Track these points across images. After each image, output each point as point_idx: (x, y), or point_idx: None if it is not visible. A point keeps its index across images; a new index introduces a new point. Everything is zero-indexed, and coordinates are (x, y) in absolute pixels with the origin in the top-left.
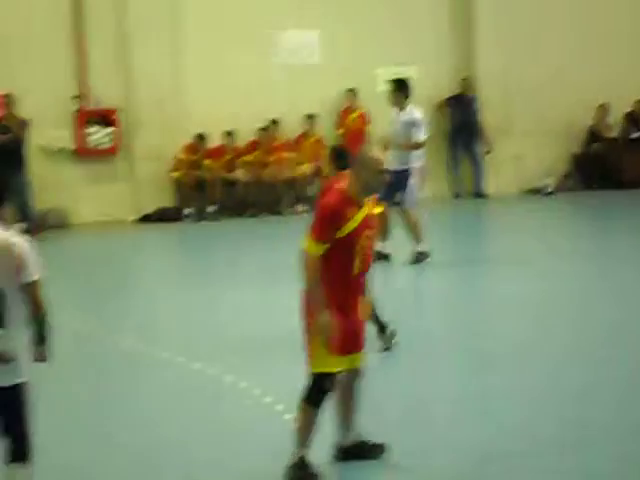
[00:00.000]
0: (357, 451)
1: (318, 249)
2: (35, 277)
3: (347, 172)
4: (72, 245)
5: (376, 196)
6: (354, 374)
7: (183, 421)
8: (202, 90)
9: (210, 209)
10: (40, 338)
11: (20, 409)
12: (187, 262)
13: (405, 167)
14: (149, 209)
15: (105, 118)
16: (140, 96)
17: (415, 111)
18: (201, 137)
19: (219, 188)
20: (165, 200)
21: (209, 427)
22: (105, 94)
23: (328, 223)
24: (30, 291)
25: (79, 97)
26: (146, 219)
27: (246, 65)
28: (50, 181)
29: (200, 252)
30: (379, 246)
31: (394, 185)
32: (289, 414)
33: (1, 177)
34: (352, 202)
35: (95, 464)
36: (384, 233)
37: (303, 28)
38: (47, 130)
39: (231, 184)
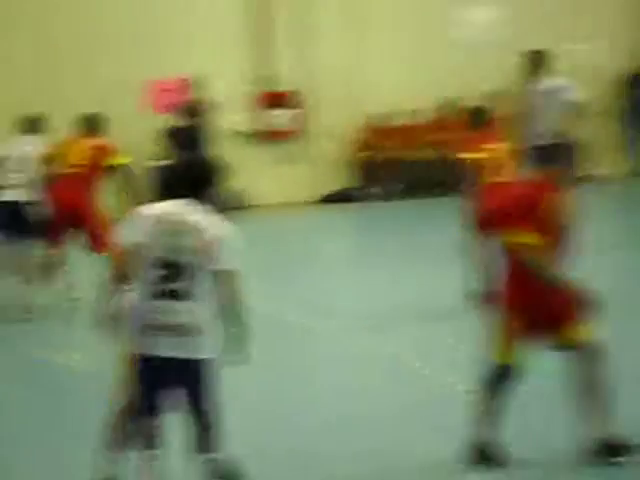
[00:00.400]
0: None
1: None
2: (228, 266)
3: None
4: (252, 226)
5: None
6: (582, 353)
7: (364, 396)
8: (383, 70)
9: (395, 188)
10: (235, 337)
11: (203, 385)
12: (368, 241)
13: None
14: (329, 190)
15: (287, 100)
16: (321, 78)
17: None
18: (384, 117)
19: (403, 167)
20: (345, 180)
21: (390, 404)
22: (287, 76)
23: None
24: (222, 280)
25: (261, 79)
26: (326, 200)
27: (426, 43)
28: (232, 163)
29: (381, 232)
30: None
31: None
32: (468, 394)
33: (210, 161)
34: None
35: (276, 444)
36: None
37: (483, 5)
38: (230, 113)
39: (415, 163)
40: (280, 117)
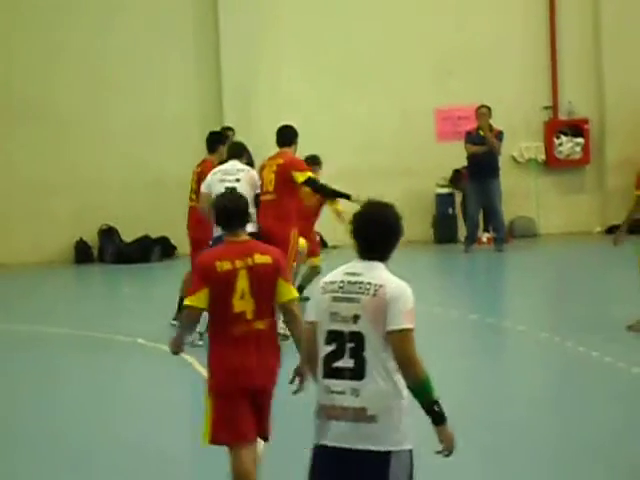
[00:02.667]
0: None
1: None
2: (404, 326)
3: None
4: (537, 254)
5: None
6: None
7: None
8: None
9: None
10: (429, 410)
11: None
12: None
13: None
14: (617, 220)
15: (576, 128)
16: (612, 105)
17: None
18: None
19: None
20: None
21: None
22: (576, 104)
23: None
24: (395, 341)
25: (551, 108)
26: (613, 230)
27: None
28: (519, 191)
29: None
30: None
31: None
32: None
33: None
34: None
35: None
36: None
37: None
38: (518, 140)
39: None
40: (569, 145)
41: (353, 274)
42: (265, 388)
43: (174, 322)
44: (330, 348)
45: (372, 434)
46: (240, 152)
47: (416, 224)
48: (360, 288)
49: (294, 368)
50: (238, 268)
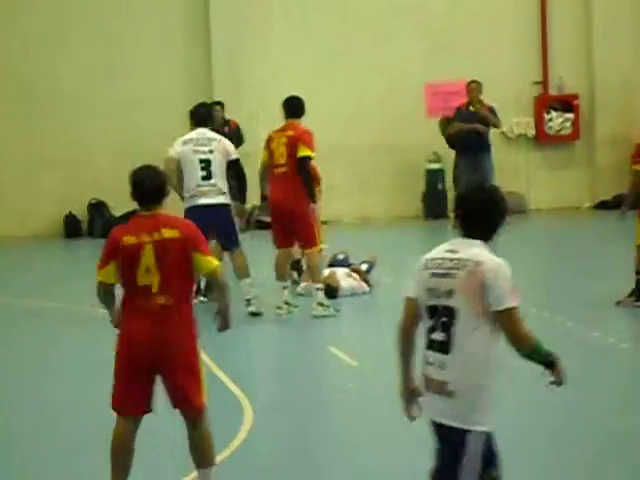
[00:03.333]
0: None
1: None
2: (510, 304)
3: None
4: (527, 229)
5: None
6: None
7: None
8: None
9: None
10: (544, 364)
11: (460, 464)
12: None
13: None
14: (606, 196)
15: (566, 104)
16: (601, 81)
17: None
18: None
19: None
20: (623, 187)
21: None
22: (567, 80)
23: None
24: (503, 321)
25: (541, 83)
26: (602, 206)
27: None
28: (509, 166)
29: None
30: None
31: None
32: None
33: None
34: None
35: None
36: None
37: None
38: (508, 116)
39: None
40: (559, 121)
41: (452, 251)
42: (168, 362)
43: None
44: (430, 322)
45: (450, 409)
46: (205, 119)
47: (406, 199)
48: (457, 264)
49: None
50: (144, 242)
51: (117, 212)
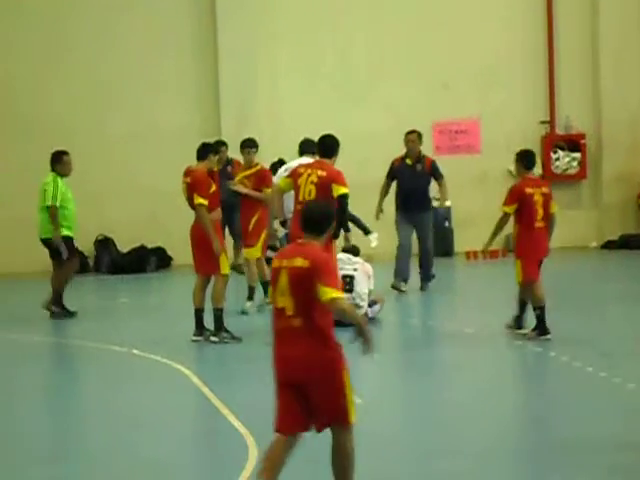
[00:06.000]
0: None
1: None
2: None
3: None
4: None
5: None
6: None
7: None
8: None
9: None
10: None
11: None
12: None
13: None
14: (613, 236)
15: (573, 143)
16: (608, 120)
17: None
18: None
19: None
20: (631, 226)
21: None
22: (574, 119)
23: None
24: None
25: (548, 122)
26: (609, 245)
27: None
28: None
29: None
30: None
31: None
32: None
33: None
34: None
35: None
36: None
37: None
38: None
39: None
40: (565, 160)
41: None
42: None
43: (195, 338)
44: None
45: None
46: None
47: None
48: None
49: None
50: (282, 267)
51: (124, 248)
